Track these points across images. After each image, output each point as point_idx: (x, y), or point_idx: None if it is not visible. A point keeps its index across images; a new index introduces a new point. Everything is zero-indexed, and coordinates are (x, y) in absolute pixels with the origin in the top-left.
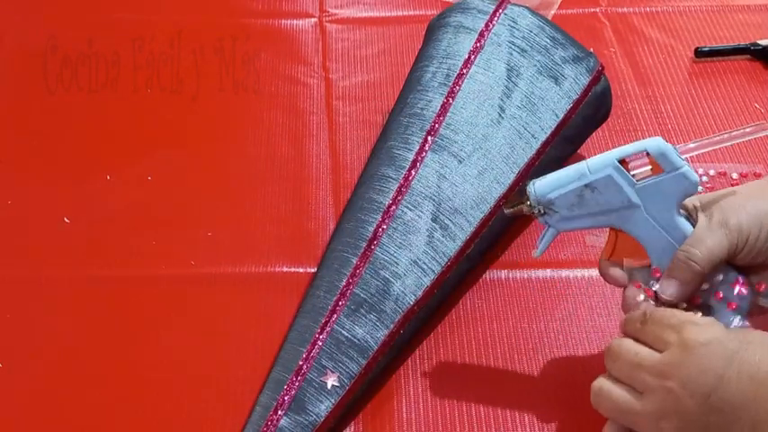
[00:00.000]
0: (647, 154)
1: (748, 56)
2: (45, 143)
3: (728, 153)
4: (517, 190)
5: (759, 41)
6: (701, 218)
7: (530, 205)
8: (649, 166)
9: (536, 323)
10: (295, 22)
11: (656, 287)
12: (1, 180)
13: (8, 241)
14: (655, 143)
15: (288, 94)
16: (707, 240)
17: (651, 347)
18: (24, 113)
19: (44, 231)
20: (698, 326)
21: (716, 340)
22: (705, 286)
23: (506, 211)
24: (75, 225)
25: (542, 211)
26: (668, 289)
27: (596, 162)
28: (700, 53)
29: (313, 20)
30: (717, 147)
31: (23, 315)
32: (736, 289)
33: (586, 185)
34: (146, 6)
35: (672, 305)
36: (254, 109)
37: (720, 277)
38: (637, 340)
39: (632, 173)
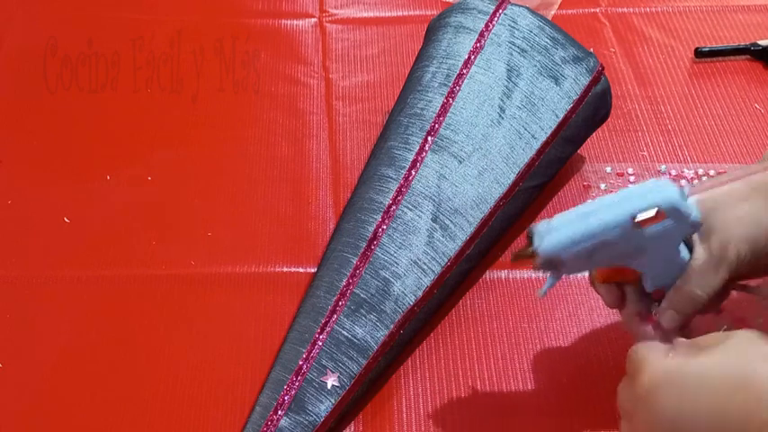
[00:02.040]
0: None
1: (748, 56)
2: (45, 143)
3: (729, 153)
4: (525, 245)
5: (759, 41)
6: (700, 250)
7: (538, 264)
8: (654, 212)
9: (536, 323)
10: (295, 22)
11: (655, 313)
12: (1, 180)
13: (8, 241)
14: (668, 199)
15: (288, 94)
16: (707, 275)
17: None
18: (24, 113)
19: (44, 231)
20: (641, 371)
21: (665, 383)
22: None
23: (513, 261)
24: (75, 225)
25: (548, 267)
26: (668, 321)
27: (609, 220)
28: (700, 53)
29: (313, 20)
30: (725, 184)
31: (23, 315)
32: None
33: (599, 243)
34: (146, 6)
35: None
36: (254, 109)
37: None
38: None
39: (637, 219)
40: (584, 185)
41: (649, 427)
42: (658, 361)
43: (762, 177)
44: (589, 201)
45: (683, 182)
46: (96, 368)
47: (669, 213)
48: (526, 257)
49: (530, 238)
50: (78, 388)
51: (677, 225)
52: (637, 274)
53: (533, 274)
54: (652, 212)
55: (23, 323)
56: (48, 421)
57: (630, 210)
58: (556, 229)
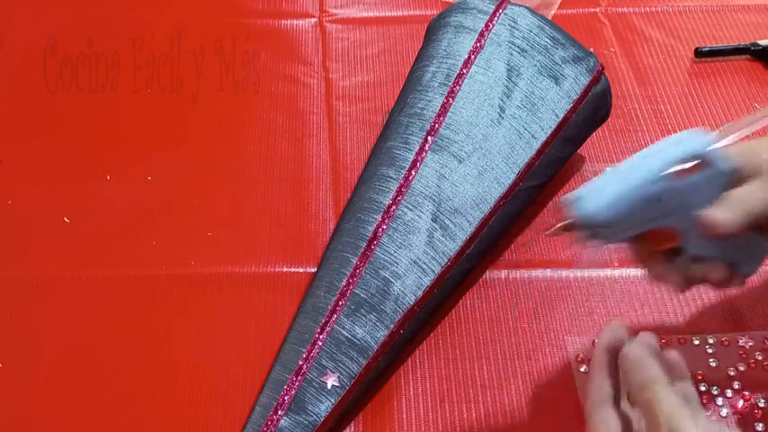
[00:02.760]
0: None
1: (748, 56)
2: (45, 143)
3: None
4: (561, 217)
5: (759, 41)
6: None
7: (579, 230)
8: (694, 161)
9: (536, 323)
10: (295, 22)
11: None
12: (1, 180)
13: (8, 241)
14: (704, 145)
15: (288, 94)
16: (758, 191)
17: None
18: (24, 113)
19: (44, 231)
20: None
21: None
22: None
23: (547, 233)
24: (75, 225)
25: (590, 233)
26: (724, 215)
27: (648, 174)
28: (700, 53)
29: (313, 20)
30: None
31: (23, 315)
32: None
33: (641, 200)
34: (146, 6)
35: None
36: (254, 109)
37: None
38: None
39: (677, 169)
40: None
41: None
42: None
43: None
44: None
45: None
46: (96, 368)
47: (708, 161)
48: (565, 229)
49: (567, 208)
50: (78, 388)
51: (715, 174)
52: (676, 238)
53: (533, 274)
54: (692, 162)
55: (23, 323)
56: (48, 421)
57: (669, 160)
58: (594, 192)
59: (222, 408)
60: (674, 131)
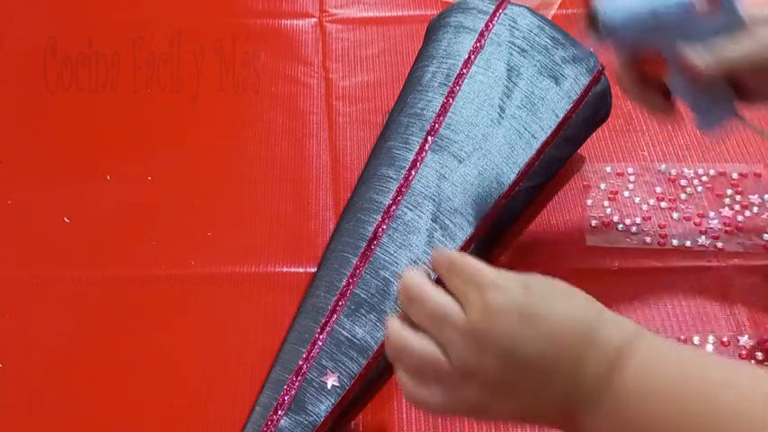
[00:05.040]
0: None
1: None
2: (45, 143)
3: (728, 153)
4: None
5: None
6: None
7: (596, 26)
8: None
9: None
10: (295, 22)
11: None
12: (1, 180)
13: (8, 241)
14: None
15: (288, 94)
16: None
17: (453, 296)
18: (24, 113)
19: (44, 231)
20: (498, 288)
21: (513, 304)
22: None
23: (582, 29)
24: (75, 225)
25: (603, 31)
26: (700, 59)
27: None
28: None
29: (313, 20)
30: None
31: (23, 315)
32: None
33: (655, 18)
34: (146, 6)
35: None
36: (254, 109)
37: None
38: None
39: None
40: (584, 185)
41: (485, 346)
42: (502, 280)
43: None
44: None
45: None
46: (96, 368)
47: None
48: (589, 21)
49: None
50: (78, 388)
51: (727, 17)
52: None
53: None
54: None
55: (23, 323)
56: (48, 421)
57: None
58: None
59: (222, 408)
60: (674, 131)
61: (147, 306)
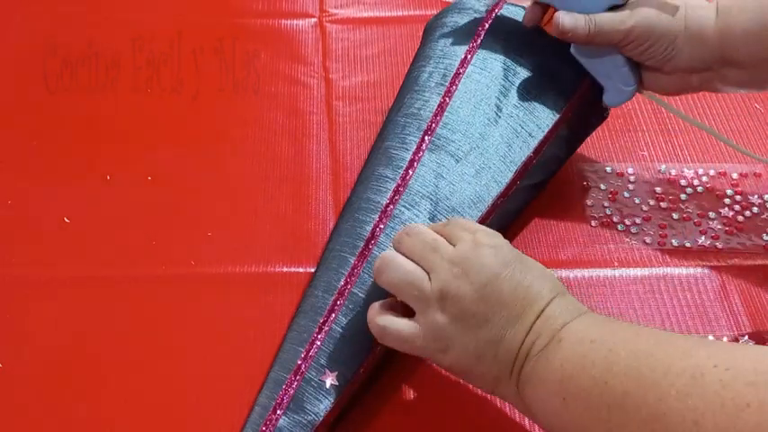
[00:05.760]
0: None
1: None
2: (45, 143)
3: (729, 153)
4: None
5: None
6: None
7: None
8: None
9: None
10: (295, 22)
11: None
12: (1, 180)
13: (8, 241)
14: None
15: (288, 94)
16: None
17: (447, 241)
18: (24, 113)
19: (44, 231)
20: (488, 233)
21: (500, 246)
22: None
23: None
24: (75, 225)
25: None
26: (564, 20)
27: None
28: None
29: (313, 20)
30: None
31: (23, 315)
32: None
33: None
34: (146, 6)
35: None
36: (254, 109)
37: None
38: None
39: None
40: (584, 185)
41: (468, 272)
42: (492, 231)
43: None
44: None
45: None
46: (96, 368)
47: None
48: None
49: None
50: (78, 388)
51: None
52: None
53: None
54: None
55: (23, 323)
56: (48, 421)
57: None
58: None
59: (221, 408)
60: (674, 131)
61: (147, 306)
